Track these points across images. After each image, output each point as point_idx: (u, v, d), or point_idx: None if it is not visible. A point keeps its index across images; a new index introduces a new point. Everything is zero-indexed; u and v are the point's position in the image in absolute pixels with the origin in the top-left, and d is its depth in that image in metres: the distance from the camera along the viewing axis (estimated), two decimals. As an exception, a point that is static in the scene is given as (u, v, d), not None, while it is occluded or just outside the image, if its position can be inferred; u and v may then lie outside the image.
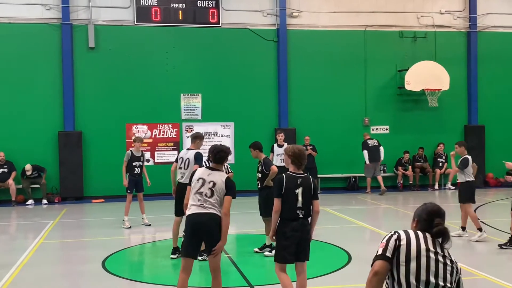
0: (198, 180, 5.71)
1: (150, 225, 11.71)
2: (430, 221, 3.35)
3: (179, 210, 7.98)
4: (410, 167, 18.01)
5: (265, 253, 8.60)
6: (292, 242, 5.56)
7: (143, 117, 16.95)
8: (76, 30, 16.56)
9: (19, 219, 13.86)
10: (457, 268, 3.31)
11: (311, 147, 17.01)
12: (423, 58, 18.07)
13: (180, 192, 8.09)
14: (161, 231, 11.39)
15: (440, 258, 3.25)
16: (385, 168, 18.21)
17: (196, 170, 5.95)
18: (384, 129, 18.47)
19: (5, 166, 15.75)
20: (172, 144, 17.09)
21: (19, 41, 16.26)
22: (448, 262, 3.26)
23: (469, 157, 10.02)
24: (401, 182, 17.95)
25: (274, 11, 17.67)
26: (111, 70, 16.75)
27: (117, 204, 14.25)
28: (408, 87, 17.69)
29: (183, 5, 17.00)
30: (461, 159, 10.01)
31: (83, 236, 11.52)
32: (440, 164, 18.13)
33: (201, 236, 5.71)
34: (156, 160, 16.95)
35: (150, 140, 16.94)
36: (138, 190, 11.68)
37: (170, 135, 17.11)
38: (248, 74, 17.53)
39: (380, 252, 3.30)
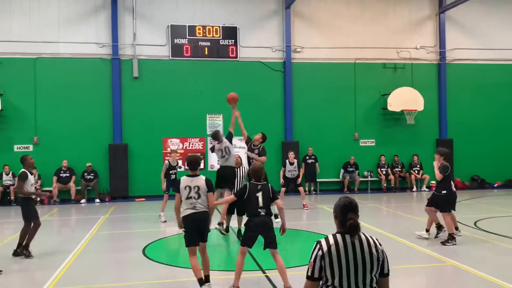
0: (185, 188, 5.96)
1: None
2: (344, 216, 3.06)
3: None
4: (389, 170, 17.86)
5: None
6: (254, 234, 5.94)
7: (176, 132, 17.02)
8: (123, 63, 16.74)
9: (77, 214, 13.93)
10: (378, 258, 2.97)
11: (314, 157, 17.00)
12: (402, 84, 17.98)
13: (222, 171, 9.24)
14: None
15: (359, 260, 2.94)
16: (371, 173, 18.07)
17: (180, 180, 6.11)
18: (370, 142, 18.36)
19: (68, 172, 15.91)
20: (199, 154, 17.12)
21: (78, 72, 16.48)
22: (367, 258, 2.95)
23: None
24: (385, 185, 17.79)
25: (281, 47, 17.71)
26: (151, 95, 16.88)
27: (156, 203, 14.30)
28: (390, 108, 17.60)
29: (208, 43, 17.12)
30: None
31: (128, 228, 11.54)
32: (416, 172, 17.95)
33: (198, 229, 5.94)
34: (186, 167, 16.96)
35: (182, 151, 17.00)
36: (174, 190, 11.73)
37: (198, 146, 17.16)
38: (260, 98, 17.55)
39: (309, 273, 3.03)
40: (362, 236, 3.05)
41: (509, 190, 17.74)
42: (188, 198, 5.92)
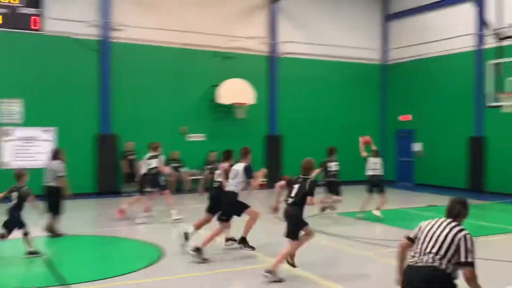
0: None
1: None
2: (452, 207, 4.60)
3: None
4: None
5: None
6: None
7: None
8: None
9: None
10: (452, 240, 4.33)
11: (133, 152, 16.94)
12: (232, 76, 18.78)
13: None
14: None
15: (442, 234, 4.39)
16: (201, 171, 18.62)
17: None
18: (201, 137, 18.92)
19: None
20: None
21: None
22: (449, 236, 4.36)
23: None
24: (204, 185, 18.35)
25: (98, 23, 17.12)
26: None
27: None
28: (219, 100, 18.40)
29: (4, 10, 15.61)
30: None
31: None
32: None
33: None
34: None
35: None
36: None
37: (-13, 138, 15.56)
38: (71, 81, 16.71)
39: (408, 233, 4.71)
40: (452, 223, 4.49)
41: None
42: None
